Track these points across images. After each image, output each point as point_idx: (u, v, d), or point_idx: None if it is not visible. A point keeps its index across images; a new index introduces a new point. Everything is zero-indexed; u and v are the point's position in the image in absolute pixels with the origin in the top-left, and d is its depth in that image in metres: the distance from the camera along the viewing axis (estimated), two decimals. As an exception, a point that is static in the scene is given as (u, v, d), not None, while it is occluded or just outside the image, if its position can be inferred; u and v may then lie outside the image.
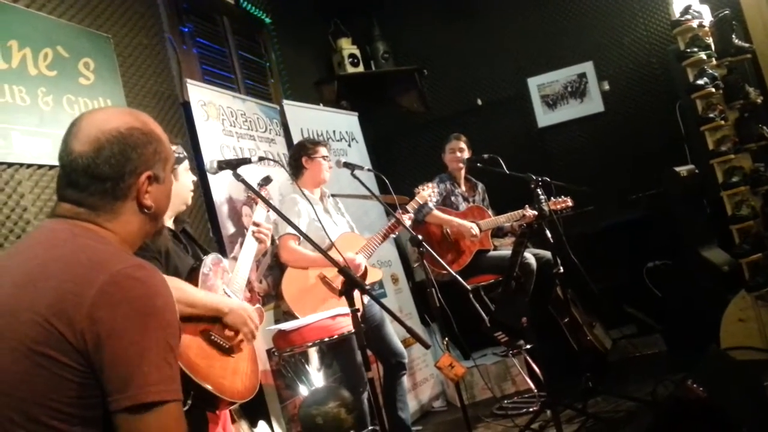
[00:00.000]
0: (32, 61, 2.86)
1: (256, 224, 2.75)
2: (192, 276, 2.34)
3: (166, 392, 1.20)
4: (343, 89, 5.76)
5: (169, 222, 2.51)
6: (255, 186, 2.88)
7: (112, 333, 1.17)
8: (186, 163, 2.57)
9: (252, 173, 3.80)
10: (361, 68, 5.89)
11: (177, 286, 2.10)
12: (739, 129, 4.19)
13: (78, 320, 1.17)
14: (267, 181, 2.57)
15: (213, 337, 2.21)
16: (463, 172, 4.70)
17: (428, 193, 3.95)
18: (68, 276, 1.21)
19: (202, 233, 3.73)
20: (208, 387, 2.03)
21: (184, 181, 2.53)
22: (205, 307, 2.21)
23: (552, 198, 4.36)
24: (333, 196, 3.94)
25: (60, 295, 1.19)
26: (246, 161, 2.69)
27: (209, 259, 2.41)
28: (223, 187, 3.63)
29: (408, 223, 3.71)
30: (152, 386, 1.18)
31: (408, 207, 3.83)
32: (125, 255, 1.30)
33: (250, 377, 2.28)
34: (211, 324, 2.24)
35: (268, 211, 2.84)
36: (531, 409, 3.94)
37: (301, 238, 3.41)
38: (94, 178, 1.32)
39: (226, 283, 2.45)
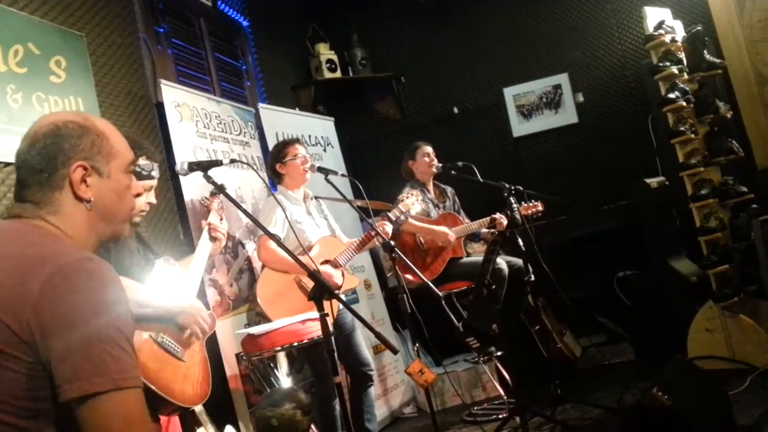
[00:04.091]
0: (2, 57, 2.82)
1: (211, 225, 2.78)
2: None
3: (121, 380, 1.18)
4: (320, 94, 5.77)
5: None
6: (207, 195, 2.94)
7: (60, 325, 1.16)
8: (145, 183, 2.50)
9: (223, 176, 3.79)
10: (338, 74, 5.90)
11: (127, 285, 2.08)
12: (708, 142, 4.26)
13: (24, 312, 1.17)
14: (220, 189, 2.54)
15: (164, 341, 2.19)
16: (432, 178, 4.71)
17: (412, 201, 3.95)
18: (15, 271, 1.21)
19: (173, 235, 3.70)
20: (157, 390, 2.02)
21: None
22: (155, 306, 2.19)
23: (523, 203, 4.39)
24: (316, 198, 3.93)
25: (7, 289, 1.19)
26: (217, 163, 2.67)
27: (160, 262, 2.40)
28: (194, 189, 3.60)
29: (389, 230, 3.70)
30: (104, 375, 1.17)
31: (390, 214, 3.82)
32: (73, 249, 1.29)
33: (201, 384, 2.26)
34: (163, 327, 2.22)
35: (221, 218, 2.85)
36: (500, 416, 3.95)
37: (282, 237, 3.42)
38: (30, 170, 1.35)
39: (178, 285, 2.44)
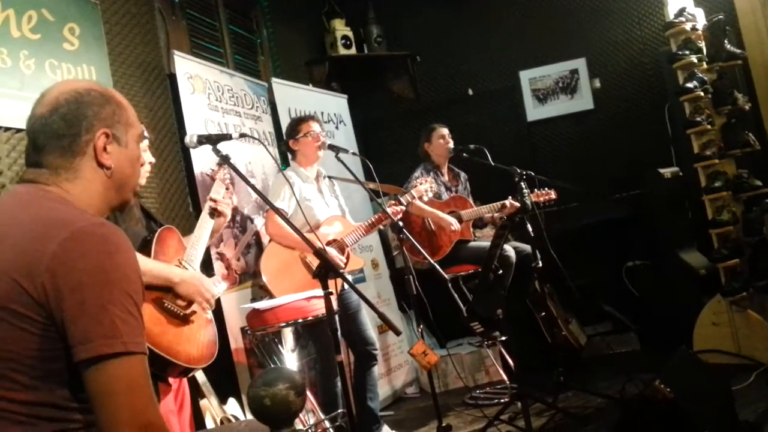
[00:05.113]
0: (15, 23, 2.81)
1: (212, 200, 2.73)
2: (146, 248, 2.35)
3: (131, 344, 1.20)
4: (334, 71, 5.72)
5: None
6: (214, 165, 2.88)
7: (73, 287, 1.18)
8: (144, 144, 2.54)
9: (234, 150, 3.77)
10: (353, 50, 5.85)
11: None
12: (725, 134, 4.20)
13: (38, 274, 1.19)
14: (225, 160, 2.56)
15: (167, 305, 2.21)
16: (447, 161, 4.68)
17: (425, 188, 3.92)
18: (31, 234, 1.23)
19: (182, 208, 3.70)
20: (160, 351, 2.04)
21: None
22: (154, 276, 2.22)
23: (536, 190, 4.36)
24: (330, 177, 3.91)
25: (22, 251, 1.21)
26: (227, 137, 2.66)
27: (162, 231, 2.41)
28: (204, 163, 3.59)
29: (399, 214, 3.68)
30: (115, 338, 1.18)
31: (401, 199, 3.80)
32: (87, 214, 1.31)
33: (207, 346, 2.28)
34: (164, 293, 2.25)
35: (227, 188, 2.82)
36: (501, 401, 3.96)
37: (289, 213, 3.42)
38: (51, 135, 1.35)
39: (181, 256, 2.45)
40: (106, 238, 1.24)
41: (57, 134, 1.34)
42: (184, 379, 2.60)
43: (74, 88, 1.38)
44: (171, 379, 2.33)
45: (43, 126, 1.35)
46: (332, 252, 3.48)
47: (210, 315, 2.46)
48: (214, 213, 2.70)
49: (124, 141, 1.42)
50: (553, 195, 4.38)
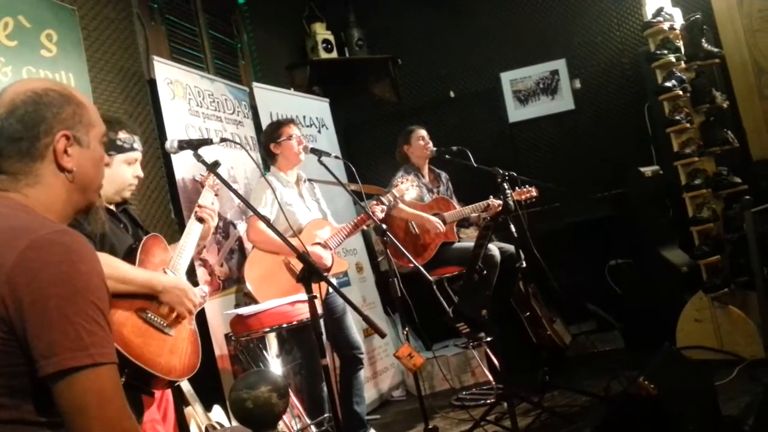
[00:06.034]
0: (-9, 29, 2.78)
1: (200, 206, 2.70)
2: (131, 256, 2.31)
3: (98, 355, 1.16)
4: (315, 74, 5.71)
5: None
6: (203, 171, 2.84)
7: (35, 299, 1.14)
8: (129, 156, 2.47)
9: (216, 155, 3.75)
10: (334, 54, 5.84)
11: (108, 262, 2.05)
12: (704, 132, 4.25)
13: None
14: (215, 165, 2.53)
15: (149, 316, 2.19)
16: (427, 162, 4.68)
17: (406, 186, 3.92)
18: None
19: (163, 215, 3.67)
20: (141, 364, 2.02)
21: (119, 172, 2.44)
22: (138, 284, 2.19)
23: (517, 188, 4.37)
24: (310, 181, 3.90)
25: None
26: (207, 142, 2.64)
27: (148, 239, 2.39)
28: (185, 168, 3.57)
29: (381, 214, 3.68)
30: (81, 350, 1.15)
31: (383, 199, 3.80)
32: (48, 222, 1.26)
33: (189, 357, 2.26)
34: (148, 302, 2.22)
35: (216, 194, 2.80)
36: (488, 401, 3.96)
37: (272, 218, 3.40)
38: (9, 139, 1.30)
39: (167, 264, 2.42)
40: (68, 246, 1.19)
41: (14, 138, 1.29)
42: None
43: (31, 88, 1.32)
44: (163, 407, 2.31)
45: (1, 129, 1.29)
46: (318, 250, 3.48)
47: (194, 326, 2.44)
48: (203, 219, 2.68)
49: (85, 142, 1.37)
50: (534, 192, 4.40)
